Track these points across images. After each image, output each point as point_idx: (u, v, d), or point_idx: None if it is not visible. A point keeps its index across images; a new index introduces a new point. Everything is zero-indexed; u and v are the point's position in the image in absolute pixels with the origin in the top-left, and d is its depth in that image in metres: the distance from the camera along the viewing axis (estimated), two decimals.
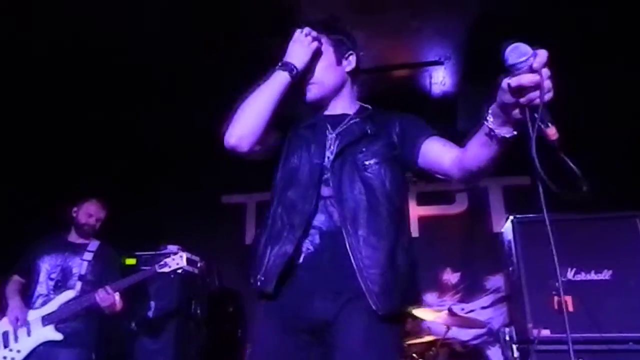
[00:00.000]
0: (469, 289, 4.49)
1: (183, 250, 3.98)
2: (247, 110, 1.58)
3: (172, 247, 4.02)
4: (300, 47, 1.65)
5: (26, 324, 2.98)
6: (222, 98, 4.40)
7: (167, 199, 5.20)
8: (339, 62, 1.72)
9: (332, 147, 1.63)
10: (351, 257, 1.47)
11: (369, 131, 1.64)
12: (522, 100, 1.13)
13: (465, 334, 4.27)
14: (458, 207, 4.80)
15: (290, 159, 1.64)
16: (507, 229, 3.45)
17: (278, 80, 1.60)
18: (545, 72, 1.11)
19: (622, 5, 3.24)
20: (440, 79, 4.04)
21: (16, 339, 2.98)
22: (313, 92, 1.70)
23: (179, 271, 3.83)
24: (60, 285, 3.07)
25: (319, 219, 1.55)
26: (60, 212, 3.33)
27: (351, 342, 1.43)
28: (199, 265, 4.15)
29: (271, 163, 1.70)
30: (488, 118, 1.27)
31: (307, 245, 1.54)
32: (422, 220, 4.77)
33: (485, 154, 1.36)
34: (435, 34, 3.57)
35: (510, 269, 3.43)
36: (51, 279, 3.09)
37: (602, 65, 3.77)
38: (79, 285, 3.08)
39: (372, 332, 1.44)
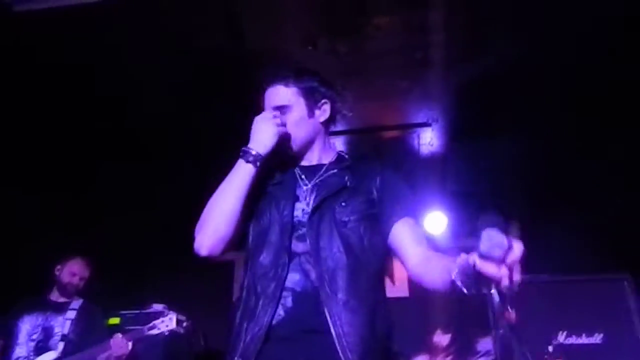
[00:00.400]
0: (461, 352, 4.39)
1: (169, 309, 3.92)
2: (214, 215, 1.49)
3: (157, 306, 3.91)
4: (265, 130, 1.54)
5: None
6: (220, 153, 4.48)
7: (153, 254, 5.12)
8: (311, 114, 1.61)
9: (308, 199, 1.52)
10: (330, 323, 1.34)
11: (348, 183, 1.53)
12: (484, 287, 1.13)
13: None
14: None
15: (260, 220, 1.52)
16: (496, 290, 3.42)
17: (242, 175, 1.51)
18: (517, 267, 1.09)
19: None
20: (428, 140, 4.12)
21: None
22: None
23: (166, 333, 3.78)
24: (41, 346, 2.96)
25: (292, 279, 1.41)
26: (43, 270, 3.27)
27: None
28: (184, 324, 4.03)
29: None
30: (454, 272, 1.22)
31: (279, 311, 1.39)
32: (412, 280, 4.72)
33: (443, 287, 1.31)
34: (423, 97, 3.68)
35: (501, 331, 3.38)
36: (32, 340, 2.98)
37: (595, 125, 3.88)
38: (61, 345, 2.97)
39: None
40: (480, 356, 4.36)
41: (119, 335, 2.90)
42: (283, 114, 1.58)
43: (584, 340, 3.06)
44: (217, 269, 5.29)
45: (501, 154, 4.38)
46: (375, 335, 1.38)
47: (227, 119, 3.76)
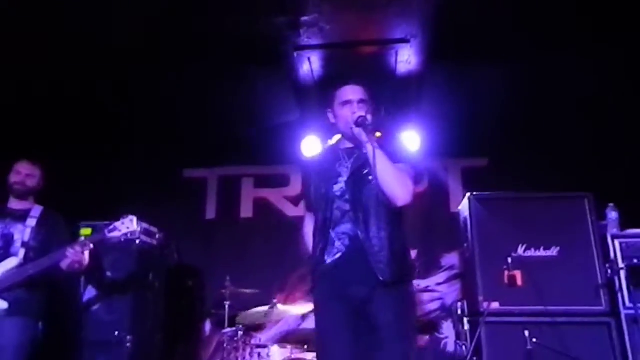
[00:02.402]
0: (425, 266, 4.61)
1: (140, 221, 3.93)
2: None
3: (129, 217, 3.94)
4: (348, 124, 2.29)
5: None
6: (188, 69, 4.31)
7: (126, 171, 5.07)
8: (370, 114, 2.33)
9: (348, 173, 2.26)
10: (366, 247, 2.12)
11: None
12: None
13: (419, 309, 4.39)
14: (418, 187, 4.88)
15: (317, 192, 2.31)
16: (464, 206, 3.54)
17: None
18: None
19: None
20: (406, 58, 4.05)
21: None
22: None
23: (137, 242, 3.81)
24: (2, 253, 2.94)
25: (346, 228, 2.20)
26: None
27: (384, 307, 2.09)
28: (157, 236, 4.08)
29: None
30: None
31: (340, 248, 2.19)
32: None
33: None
34: (402, 11, 3.57)
35: (465, 245, 3.54)
36: None
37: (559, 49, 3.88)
38: (22, 252, 2.96)
39: (386, 293, 2.08)
40: (444, 270, 4.60)
41: (78, 240, 2.90)
42: (364, 104, 2.28)
43: (541, 253, 3.23)
44: (191, 187, 5.32)
45: (477, 77, 4.38)
46: (395, 251, 2.15)
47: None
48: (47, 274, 2.92)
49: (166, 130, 5.04)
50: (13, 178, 3.15)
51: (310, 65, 4.12)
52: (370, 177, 2.16)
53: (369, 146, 2.11)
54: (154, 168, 5.13)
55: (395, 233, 2.17)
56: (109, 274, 3.74)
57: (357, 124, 2.18)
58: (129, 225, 2.93)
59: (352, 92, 2.30)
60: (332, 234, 2.20)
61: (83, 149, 4.90)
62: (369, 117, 2.19)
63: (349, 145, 2.35)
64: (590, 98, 4.29)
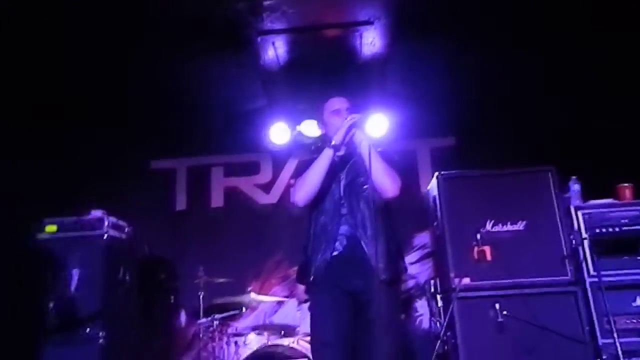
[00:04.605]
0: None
1: (108, 215, 3.85)
2: (307, 181, 2.45)
3: (96, 213, 3.85)
4: (342, 127, 2.43)
5: None
6: (150, 57, 4.18)
7: (93, 164, 4.94)
8: None
9: (344, 180, 2.49)
10: (365, 250, 2.34)
11: (365, 168, 2.40)
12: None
13: None
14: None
15: (321, 194, 2.48)
16: (432, 185, 3.58)
17: (326, 157, 2.43)
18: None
19: None
20: (370, 40, 4.04)
21: None
22: None
23: (105, 237, 3.72)
24: None
25: (343, 229, 2.43)
26: None
27: (382, 304, 2.23)
28: (126, 230, 4.00)
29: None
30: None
31: (338, 247, 2.42)
32: None
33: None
34: None
35: (435, 223, 3.59)
36: None
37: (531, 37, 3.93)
38: None
39: (383, 291, 2.27)
40: (417, 250, 4.66)
41: None
42: (349, 111, 2.52)
43: (508, 227, 3.30)
44: (159, 178, 5.22)
45: (441, 58, 4.40)
46: (391, 253, 2.41)
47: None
48: None
49: (132, 122, 4.92)
50: None
51: (275, 50, 4.07)
52: (365, 187, 2.41)
53: (365, 144, 2.36)
54: (120, 160, 5.01)
55: (391, 236, 2.45)
56: (76, 270, 3.65)
57: (352, 126, 2.40)
58: None
59: (339, 102, 2.60)
60: (330, 235, 2.44)
61: (46, 140, 4.73)
62: (361, 119, 2.44)
63: (340, 153, 2.55)
64: (552, 75, 4.38)
